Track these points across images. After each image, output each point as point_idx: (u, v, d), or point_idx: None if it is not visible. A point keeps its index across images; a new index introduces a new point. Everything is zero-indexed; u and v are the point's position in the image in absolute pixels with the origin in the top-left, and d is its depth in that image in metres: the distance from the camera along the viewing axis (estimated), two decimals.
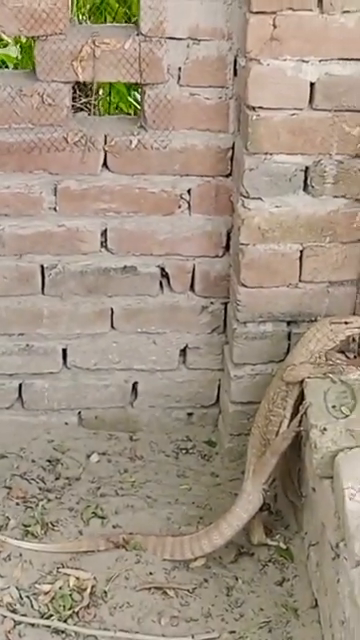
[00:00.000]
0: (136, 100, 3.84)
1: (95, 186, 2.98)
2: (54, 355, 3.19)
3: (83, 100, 4.33)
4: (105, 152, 2.93)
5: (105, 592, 2.74)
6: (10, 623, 2.64)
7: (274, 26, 2.66)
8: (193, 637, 2.64)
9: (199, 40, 2.82)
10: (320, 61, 2.72)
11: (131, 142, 2.92)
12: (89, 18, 3.97)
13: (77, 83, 4.05)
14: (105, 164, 2.95)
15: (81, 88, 4.31)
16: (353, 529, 2.32)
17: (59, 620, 2.65)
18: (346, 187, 2.84)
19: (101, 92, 4.03)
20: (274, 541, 2.91)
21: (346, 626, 2.34)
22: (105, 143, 2.92)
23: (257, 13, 2.65)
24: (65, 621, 2.65)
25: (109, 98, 3.95)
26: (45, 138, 2.90)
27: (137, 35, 2.81)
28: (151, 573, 2.80)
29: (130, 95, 3.94)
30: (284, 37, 2.67)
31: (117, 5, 3.83)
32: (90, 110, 3.74)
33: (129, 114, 3.78)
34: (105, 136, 2.92)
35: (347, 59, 2.71)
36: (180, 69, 2.85)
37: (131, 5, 3.85)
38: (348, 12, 2.66)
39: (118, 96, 3.91)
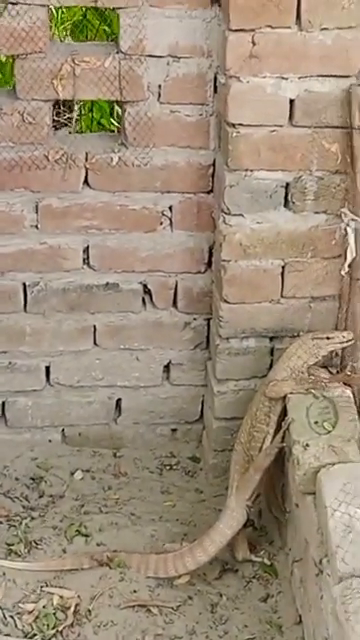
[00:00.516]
0: (118, 116, 3.85)
1: (77, 203, 2.98)
2: (37, 372, 3.18)
3: (67, 116, 4.34)
4: (86, 169, 2.94)
5: (89, 610, 2.73)
6: None
7: (253, 43, 2.68)
8: None
9: (179, 58, 2.83)
10: (299, 78, 2.73)
11: (112, 159, 2.93)
12: (70, 36, 3.97)
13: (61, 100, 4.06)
14: (86, 181, 2.96)
15: (65, 103, 4.32)
16: (335, 545, 2.32)
17: (43, 639, 2.64)
18: (327, 203, 2.85)
19: (83, 108, 4.04)
20: (258, 557, 2.91)
21: None
22: (86, 160, 2.93)
23: (236, 31, 2.67)
24: None
25: (91, 114, 3.95)
26: (26, 156, 2.90)
27: (117, 53, 2.82)
28: (135, 591, 2.79)
29: (113, 111, 3.95)
30: (263, 54, 2.69)
31: (98, 22, 3.84)
32: (71, 126, 3.75)
33: (112, 131, 3.78)
34: (86, 153, 2.92)
35: (326, 76, 2.73)
36: (160, 86, 2.86)
37: (112, 23, 3.86)
38: (326, 29, 2.68)
39: (100, 112, 3.91)
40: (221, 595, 2.82)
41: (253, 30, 2.67)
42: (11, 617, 2.70)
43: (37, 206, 2.97)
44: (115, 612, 2.73)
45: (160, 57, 2.82)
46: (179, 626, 2.71)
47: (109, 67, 2.82)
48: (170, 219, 3.03)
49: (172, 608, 2.76)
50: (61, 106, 4.37)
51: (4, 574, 2.81)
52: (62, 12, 4.04)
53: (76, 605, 2.73)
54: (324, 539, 2.42)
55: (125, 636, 2.67)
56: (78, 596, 2.76)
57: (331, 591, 2.32)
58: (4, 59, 3.83)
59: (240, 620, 2.74)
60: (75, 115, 3.09)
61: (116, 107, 3.88)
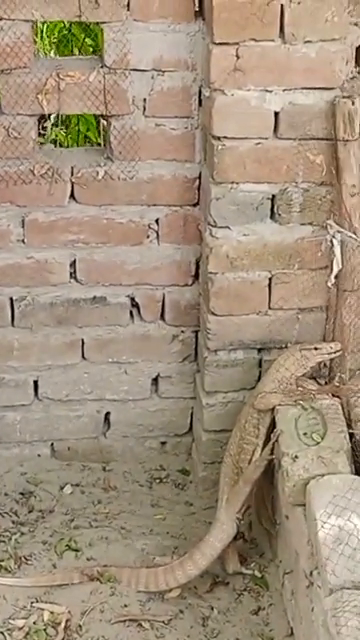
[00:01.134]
0: (105, 128, 3.85)
1: (63, 217, 2.98)
2: (25, 387, 3.18)
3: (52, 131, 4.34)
4: (72, 184, 2.94)
5: (80, 626, 2.71)
6: None
7: (237, 57, 2.69)
8: None
9: (163, 71, 2.83)
10: (284, 90, 2.74)
11: (98, 173, 2.93)
12: (55, 50, 3.98)
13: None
14: (72, 195, 2.96)
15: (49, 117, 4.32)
16: (325, 557, 2.32)
17: None
18: (312, 214, 2.86)
19: (69, 122, 4.04)
20: (249, 570, 2.90)
21: None
22: (72, 175, 2.93)
23: (220, 44, 2.68)
24: None
25: (77, 128, 3.96)
26: (12, 171, 2.90)
27: (101, 67, 2.82)
28: (126, 605, 2.78)
29: (99, 124, 3.96)
30: (247, 67, 2.70)
31: (82, 36, 3.85)
32: (56, 142, 3.76)
33: (98, 144, 3.79)
34: (72, 168, 2.93)
35: (310, 88, 2.74)
36: (145, 100, 2.87)
37: (96, 36, 3.86)
38: (310, 42, 2.69)
39: (86, 126, 3.92)
40: (212, 608, 2.81)
41: (237, 43, 2.68)
42: (1, 633, 2.69)
43: (23, 220, 2.97)
44: (106, 627, 2.72)
45: (145, 71, 2.83)
46: None
47: (94, 81, 2.83)
48: (157, 232, 3.03)
49: (163, 622, 2.75)
50: (48, 120, 4.38)
51: None
52: (47, 26, 4.04)
53: (67, 620, 2.72)
54: (314, 551, 2.42)
55: None
56: (69, 611, 2.75)
57: (322, 603, 2.31)
58: None
59: (232, 633, 2.73)
60: (59, 128, 3.09)
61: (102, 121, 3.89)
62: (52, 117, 4.18)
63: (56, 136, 4.07)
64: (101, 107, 2.85)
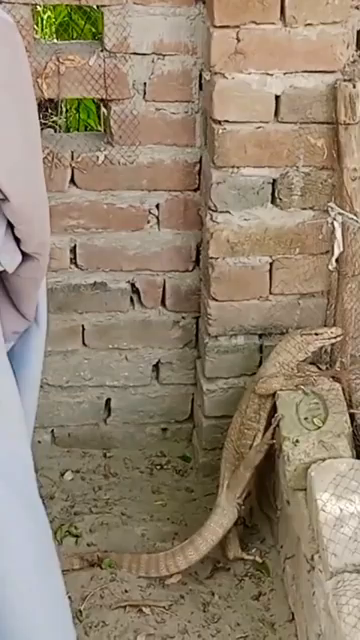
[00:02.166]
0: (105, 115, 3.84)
1: (63, 203, 2.97)
2: None
3: (54, 118, 4.34)
4: (72, 168, 2.93)
5: (80, 611, 2.71)
6: None
7: (238, 40, 2.67)
8: None
9: (164, 55, 2.82)
10: (285, 74, 2.73)
11: (98, 158, 2.92)
12: (56, 36, 3.97)
13: (47, 101, 4.06)
14: (72, 180, 2.95)
15: (51, 105, 4.32)
16: (327, 540, 2.31)
17: None
18: (313, 199, 2.85)
19: (70, 109, 4.04)
20: (250, 555, 2.89)
21: (322, 639, 2.33)
22: (72, 159, 2.91)
23: (220, 27, 2.66)
24: None
25: (78, 115, 3.95)
26: None
27: (101, 51, 2.81)
28: (126, 591, 2.77)
29: (100, 111, 3.95)
30: (248, 51, 2.68)
31: (83, 22, 3.84)
32: (56, 129, 3.75)
33: (99, 131, 3.78)
34: (72, 152, 2.91)
35: (311, 71, 2.72)
36: (145, 84, 2.85)
37: (97, 22, 3.85)
38: (311, 25, 2.67)
39: (86, 113, 3.91)
40: (213, 594, 2.80)
41: (237, 26, 2.66)
42: None
43: None
44: (106, 612, 2.71)
45: (145, 55, 2.81)
46: (171, 625, 2.70)
47: (94, 65, 2.81)
48: (157, 217, 3.02)
49: (164, 607, 2.74)
50: (48, 108, 4.37)
51: None
52: (47, 12, 4.04)
53: None
54: (315, 535, 2.41)
55: (117, 636, 2.66)
56: (69, 597, 2.73)
57: (323, 587, 2.31)
58: None
59: (232, 618, 2.73)
60: (59, 114, 3.08)
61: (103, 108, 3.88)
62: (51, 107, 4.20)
63: (55, 123, 4.07)
64: (101, 91, 2.84)
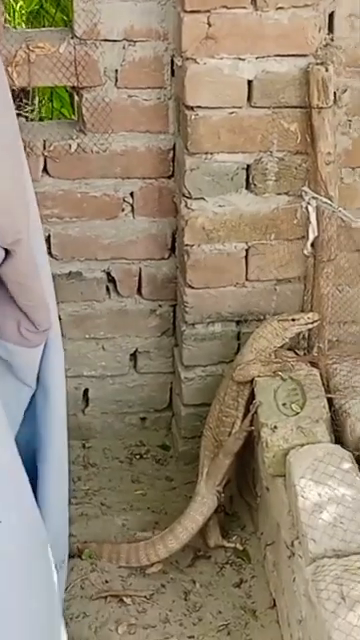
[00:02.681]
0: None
1: (36, 192, 2.88)
2: None
3: (28, 108, 4.31)
4: (45, 157, 2.90)
5: None
6: None
7: (209, 25, 2.65)
8: None
9: (135, 41, 2.80)
10: (257, 58, 2.71)
11: (70, 146, 2.89)
12: (27, 25, 3.94)
13: (21, 91, 4.03)
14: (45, 169, 2.92)
15: (26, 95, 4.29)
16: (306, 526, 2.30)
17: None
18: (288, 184, 2.84)
19: (43, 98, 4.01)
20: (231, 543, 2.89)
21: (303, 625, 2.32)
22: (44, 148, 2.89)
23: (191, 12, 2.64)
24: None
25: (51, 104, 3.92)
26: None
27: (72, 38, 2.78)
28: (107, 581, 2.76)
29: (73, 100, 3.93)
30: (219, 35, 2.66)
31: (54, 10, 3.81)
32: (29, 118, 3.72)
33: (71, 119, 3.75)
34: (44, 141, 2.89)
35: (283, 55, 2.71)
36: (117, 71, 2.83)
37: (68, 10, 3.82)
38: (282, 8, 2.66)
39: (60, 102, 3.88)
40: (194, 582, 2.79)
41: (208, 11, 2.64)
42: None
43: None
44: (87, 603, 2.70)
45: (116, 41, 2.79)
46: (152, 615, 2.69)
47: (64, 53, 2.79)
48: (132, 205, 3.00)
49: (145, 597, 2.73)
50: (22, 99, 4.35)
51: None
52: (19, 1, 4.01)
53: None
54: (295, 521, 2.40)
55: (98, 627, 2.65)
56: None
57: (303, 573, 2.30)
58: None
59: (214, 606, 2.72)
60: (31, 102, 3.06)
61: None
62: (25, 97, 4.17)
63: (31, 112, 4.05)
64: (72, 79, 2.82)
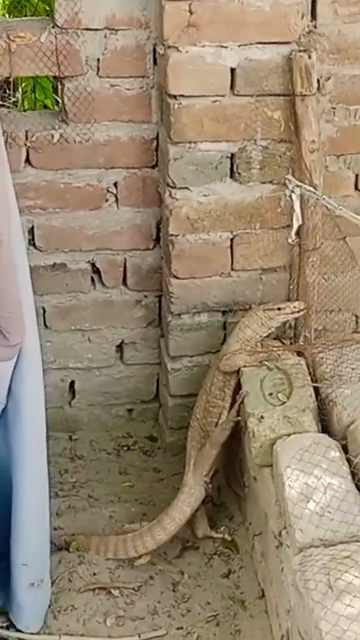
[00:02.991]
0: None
1: (19, 183, 2.90)
2: None
3: (12, 99, 4.28)
4: (27, 148, 2.88)
5: None
6: None
7: (190, 12, 2.63)
8: (139, 636, 2.60)
9: (116, 30, 2.77)
10: (239, 46, 2.69)
11: (53, 137, 2.87)
12: (8, 15, 3.91)
13: (4, 82, 4.00)
14: (28, 160, 2.90)
15: (9, 86, 4.27)
16: (293, 516, 2.29)
17: (1, 627, 2.60)
18: (272, 172, 2.82)
19: (26, 89, 3.98)
20: (219, 533, 2.88)
21: (292, 614, 2.32)
22: (27, 139, 2.87)
23: (173, 0, 2.62)
24: (8, 627, 2.59)
25: (34, 95, 3.90)
26: None
27: (53, 27, 2.76)
28: (95, 574, 2.75)
29: (57, 92, 3.90)
30: (201, 23, 2.64)
31: (36, 1, 3.78)
32: (8, 107, 3.69)
33: (55, 110, 3.72)
34: (26, 132, 2.86)
35: (266, 43, 2.69)
36: (99, 60, 2.81)
37: (50, 0, 3.80)
38: None
39: (43, 93, 3.86)
40: (182, 573, 2.79)
41: None
42: None
43: None
44: (75, 596, 2.69)
45: (97, 30, 2.77)
46: (141, 607, 2.68)
47: (45, 42, 2.76)
48: (115, 195, 2.98)
49: (133, 589, 2.73)
50: (5, 90, 4.32)
51: None
52: None
53: None
54: (282, 510, 2.39)
55: (86, 620, 2.64)
56: None
57: (291, 562, 2.29)
58: None
59: (202, 597, 2.71)
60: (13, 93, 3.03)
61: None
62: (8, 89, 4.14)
63: (14, 104, 4.02)
64: (54, 68, 2.79)
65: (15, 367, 2.36)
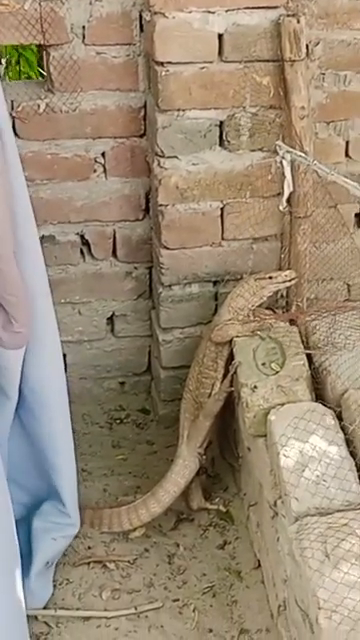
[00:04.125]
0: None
1: None
2: None
3: None
4: (13, 118, 2.83)
5: None
6: None
7: None
8: (136, 608, 2.59)
9: None
10: (227, 11, 2.64)
11: (39, 106, 2.82)
12: None
13: None
14: (14, 131, 2.84)
15: None
16: (288, 485, 2.28)
17: None
18: (262, 139, 2.78)
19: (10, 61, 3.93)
20: (214, 505, 2.87)
21: (288, 584, 2.31)
22: (12, 109, 2.82)
23: None
24: None
25: (18, 67, 3.85)
26: None
27: None
28: (90, 547, 2.74)
29: (41, 63, 3.84)
30: None
31: None
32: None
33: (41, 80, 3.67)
34: (12, 102, 2.81)
35: (254, 8, 2.64)
36: (84, 28, 2.76)
37: None
38: None
39: (27, 64, 3.81)
40: (178, 545, 2.78)
41: None
42: None
43: None
44: (70, 570, 2.68)
45: None
46: (136, 579, 2.67)
47: (29, 10, 2.71)
48: (104, 166, 2.94)
49: (128, 562, 2.72)
50: None
51: None
52: None
53: None
54: (277, 480, 2.38)
55: (82, 593, 2.63)
56: None
57: (286, 532, 2.28)
58: None
59: (198, 569, 2.70)
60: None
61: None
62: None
63: None
64: (38, 37, 2.74)
65: (30, 355, 2.34)
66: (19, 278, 2.28)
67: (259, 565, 2.67)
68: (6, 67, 3.95)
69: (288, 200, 2.74)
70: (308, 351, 2.66)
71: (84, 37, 2.77)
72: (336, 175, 2.44)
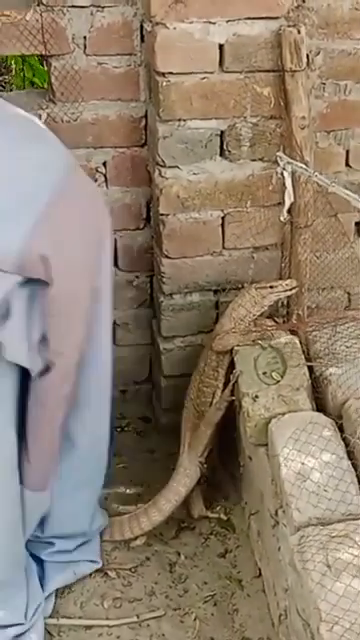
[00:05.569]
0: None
1: None
2: None
3: (4, 78, 4.24)
4: None
5: None
6: None
7: None
8: (138, 617, 2.59)
9: (102, 7, 2.73)
10: (227, 22, 2.65)
11: (40, 116, 2.83)
12: None
13: None
14: None
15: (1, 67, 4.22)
16: (290, 495, 2.29)
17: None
18: (263, 150, 2.79)
19: (14, 67, 3.94)
20: (215, 513, 2.88)
21: (289, 593, 2.32)
22: None
23: None
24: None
25: (23, 73, 3.86)
26: None
27: (38, 5, 2.71)
28: None
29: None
30: None
31: None
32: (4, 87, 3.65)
33: (43, 88, 3.68)
34: None
35: (254, 18, 2.65)
36: (85, 38, 2.76)
37: None
38: None
39: (32, 71, 3.82)
40: (179, 554, 2.78)
41: None
42: None
43: None
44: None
45: (83, 7, 2.72)
46: (138, 588, 2.68)
47: (31, 20, 2.72)
48: (105, 175, 2.94)
49: (130, 570, 2.72)
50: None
51: None
52: None
53: None
54: (278, 489, 2.39)
55: (84, 602, 2.64)
56: None
57: (288, 541, 2.28)
58: None
59: (199, 577, 2.71)
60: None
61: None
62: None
63: (7, 84, 3.98)
64: (40, 47, 2.75)
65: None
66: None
67: (260, 574, 2.68)
68: (16, 73, 3.96)
69: (289, 210, 2.74)
70: (309, 363, 2.66)
71: (85, 47, 2.77)
72: (337, 187, 2.45)
